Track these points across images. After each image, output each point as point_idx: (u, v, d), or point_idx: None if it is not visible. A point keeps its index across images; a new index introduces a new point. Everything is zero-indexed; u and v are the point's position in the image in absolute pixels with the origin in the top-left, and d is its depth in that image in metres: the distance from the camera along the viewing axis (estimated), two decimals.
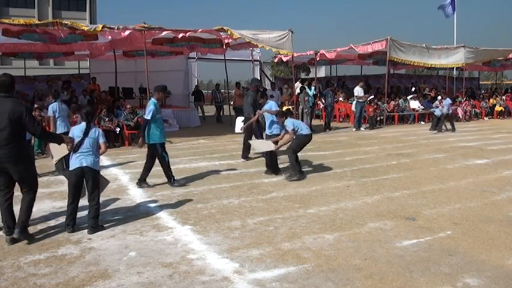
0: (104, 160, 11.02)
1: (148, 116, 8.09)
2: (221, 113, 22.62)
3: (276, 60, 25.62)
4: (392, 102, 20.81)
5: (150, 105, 8.21)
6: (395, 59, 19.49)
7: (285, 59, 21.29)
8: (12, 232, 5.45)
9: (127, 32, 13.97)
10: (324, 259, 4.83)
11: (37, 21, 14.97)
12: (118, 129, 13.21)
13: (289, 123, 8.81)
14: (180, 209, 6.78)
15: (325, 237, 5.53)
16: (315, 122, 18.45)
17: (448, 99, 17.08)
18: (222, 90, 24.39)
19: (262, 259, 4.82)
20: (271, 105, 9.55)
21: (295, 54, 16.92)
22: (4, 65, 28.06)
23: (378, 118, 19.47)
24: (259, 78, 23.55)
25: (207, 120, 22.03)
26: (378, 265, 4.69)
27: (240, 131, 9.96)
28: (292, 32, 15.73)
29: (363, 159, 11.06)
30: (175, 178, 8.34)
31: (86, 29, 13.49)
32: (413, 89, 24.08)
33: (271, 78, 29.15)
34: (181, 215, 6.47)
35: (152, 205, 7.08)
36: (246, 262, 4.75)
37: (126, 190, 7.81)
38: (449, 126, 17.21)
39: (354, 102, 18.45)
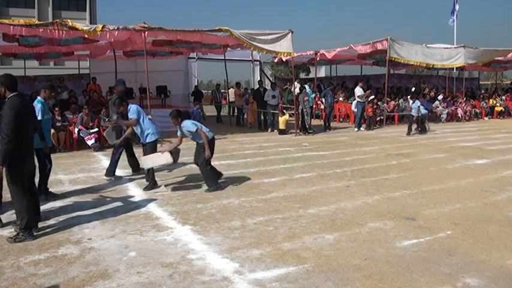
0: (104, 160, 11.03)
1: (39, 117, 7.19)
2: (221, 113, 22.66)
3: (276, 60, 25.60)
4: (393, 102, 20.82)
5: (37, 105, 7.39)
6: (395, 59, 19.49)
7: (284, 59, 21.29)
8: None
9: (126, 34, 13.96)
10: (324, 259, 4.84)
11: (37, 22, 14.96)
12: None
13: (190, 124, 8.14)
14: (180, 209, 6.78)
15: (325, 237, 5.53)
16: (315, 122, 18.45)
17: (417, 101, 16.81)
18: (222, 90, 24.40)
19: (262, 259, 4.83)
20: (133, 110, 8.36)
21: (295, 54, 16.88)
22: (4, 65, 28.07)
23: (378, 118, 19.46)
24: (259, 79, 23.59)
25: (207, 120, 22.00)
26: (377, 265, 4.69)
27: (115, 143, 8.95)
28: (292, 32, 15.72)
29: (363, 159, 11.06)
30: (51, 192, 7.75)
31: (85, 29, 13.48)
32: (413, 89, 24.08)
33: (271, 78, 29.15)
34: (181, 215, 6.47)
35: (152, 205, 7.08)
36: (246, 262, 4.75)
37: (126, 190, 7.81)
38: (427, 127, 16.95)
39: (354, 102, 18.45)
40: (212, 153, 8.18)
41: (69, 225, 6.17)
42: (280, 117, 16.50)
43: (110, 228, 5.97)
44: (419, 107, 16.42)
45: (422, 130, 16.61)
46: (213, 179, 8.03)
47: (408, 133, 16.16)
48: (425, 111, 16.86)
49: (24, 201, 5.64)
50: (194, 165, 10.27)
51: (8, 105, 5.40)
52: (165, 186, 8.30)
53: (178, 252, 5.06)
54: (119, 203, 7.26)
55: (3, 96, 5.51)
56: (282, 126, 16.32)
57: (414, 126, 16.55)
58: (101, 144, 12.69)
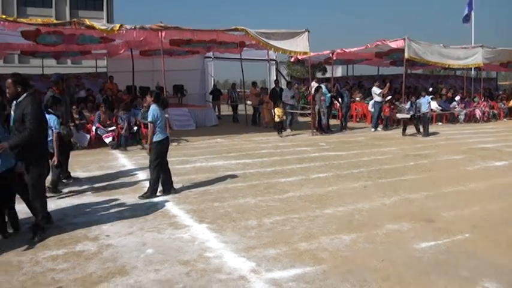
0: (121, 158, 11.14)
1: None
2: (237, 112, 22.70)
3: (292, 59, 25.54)
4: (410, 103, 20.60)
5: None
6: (413, 58, 19.29)
7: (301, 58, 21.22)
8: None
9: (143, 33, 14.05)
10: (341, 260, 4.82)
11: (55, 21, 15.13)
12: (135, 128, 13.31)
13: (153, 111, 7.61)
14: (197, 208, 6.81)
15: (342, 238, 5.51)
16: (332, 122, 18.37)
17: (427, 96, 16.52)
18: (238, 90, 24.41)
19: (279, 259, 4.82)
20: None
21: (312, 54, 16.80)
22: (22, 63, 28.42)
23: (396, 119, 19.27)
24: (275, 78, 23.57)
25: (223, 119, 22.09)
26: (395, 267, 4.66)
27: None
28: (308, 31, 15.67)
29: (380, 159, 10.99)
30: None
31: (103, 28, 13.60)
32: (430, 89, 23.82)
33: (287, 78, 29.09)
34: (198, 214, 6.50)
35: (169, 203, 7.12)
36: (262, 261, 4.75)
37: (144, 188, 7.85)
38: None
39: (371, 102, 18.33)
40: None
41: (87, 221, 6.25)
42: (276, 110, 15.97)
43: (127, 226, 6.02)
44: (429, 103, 16.18)
45: (425, 131, 16.00)
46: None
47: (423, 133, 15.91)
48: (427, 110, 16.42)
49: (44, 198, 5.81)
50: (211, 164, 10.36)
51: (32, 101, 5.55)
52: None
53: (195, 250, 5.08)
54: (136, 200, 7.33)
55: (18, 95, 5.58)
56: (277, 119, 15.84)
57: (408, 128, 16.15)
58: (118, 142, 12.79)
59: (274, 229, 5.81)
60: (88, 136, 12.68)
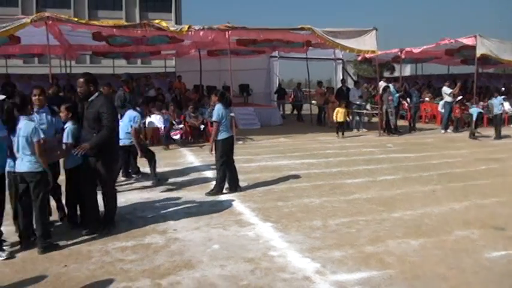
0: (189, 155, 11.41)
1: None
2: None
3: (359, 58, 25.07)
4: (482, 103, 19.65)
5: None
6: (486, 55, 18.36)
7: (368, 57, 20.80)
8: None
9: (211, 33, 14.32)
10: (408, 265, 4.69)
11: (125, 23, 15.72)
12: (202, 127, 13.59)
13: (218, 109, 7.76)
14: (262, 206, 6.86)
15: (409, 242, 5.36)
16: (400, 122, 17.89)
17: (499, 97, 15.54)
18: (303, 89, 24.30)
19: (344, 261, 4.77)
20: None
21: (379, 52, 16.41)
22: (94, 63, 29.71)
23: (467, 120, 18.47)
24: (342, 77, 23.27)
25: (288, 118, 22.09)
26: (464, 276, 4.48)
27: None
28: (376, 30, 15.34)
29: (450, 163, 10.57)
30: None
31: (172, 29, 14.00)
32: (502, 89, 22.59)
33: (354, 77, 28.64)
34: (263, 212, 6.54)
35: (235, 201, 7.22)
36: (327, 263, 4.71)
37: (210, 185, 8.01)
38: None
39: (441, 103, 17.66)
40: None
41: (155, 215, 6.47)
42: (338, 109, 15.54)
43: (194, 221, 6.17)
44: (502, 104, 15.33)
45: (497, 134, 15.09)
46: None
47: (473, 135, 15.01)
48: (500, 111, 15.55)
49: (115, 194, 6.05)
50: (276, 163, 10.40)
51: (106, 101, 5.78)
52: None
53: (259, 249, 5.13)
54: (203, 197, 7.49)
55: (90, 93, 5.71)
56: (340, 118, 15.37)
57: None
58: (187, 140, 13.12)
59: (340, 231, 5.75)
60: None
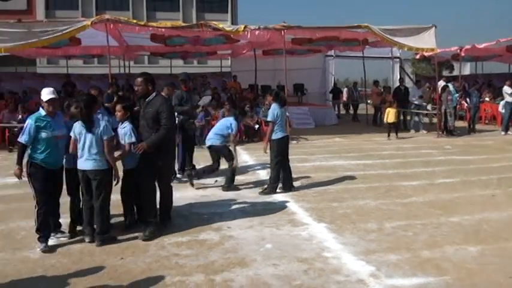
0: (243, 155, 11.49)
1: None
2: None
3: (417, 56, 24.40)
4: None
5: None
6: None
7: (427, 55, 20.21)
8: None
9: (267, 33, 14.38)
10: (466, 273, 4.50)
11: (182, 24, 16.04)
12: (257, 126, 13.67)
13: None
14: (316, 206, 6.81)
15: (467, 249, 5.14)
16: (458, 123, 17.27)
17: None
18: (359, 89, 23.94)
19: (400, 265, 4.65)
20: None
21: (438, 50, 15.88)
22: (151, 64, 30.46)
23: None
24: (399, 76, 22.74)
25: (343, 118, 21.85)
26: None
27: None
28: (435, 27, 14.87)
29: (510, 166, 10.08)
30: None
31: (228, 30, 14.18)
32: None
33: (411, 76, 27.90)
34: (317, 212, 6.49)
35: (288, 200, 7.20)
36: (382, 266, 4.61)
37: (264, 184, 8.04)
38: None
39: (502, 103, 16.84)
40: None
41: (210, 212, 6.57)
42: (390, 109, 15.03)
43: (247, 219, 6.21)
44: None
45: None
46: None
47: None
48: None
49: (171, 191, 6.10)
50: (331, 164, 10.31)
51: (165, 101, 5.83)
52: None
53: (313, 249, 5.09)
54: (256, 196, 7.54)
55: (148, 93, 5.72)
56: (391, 119, 14.82)
57: None
58: (241, 139, 13.22)
59: (396, 234, 5.61)
60: None
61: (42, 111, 5.27)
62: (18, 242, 5.49)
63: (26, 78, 20.43)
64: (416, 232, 5.67)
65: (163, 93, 8.33)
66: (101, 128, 5.27)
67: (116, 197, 6.00)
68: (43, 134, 5.15)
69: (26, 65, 25.94)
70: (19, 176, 5.18)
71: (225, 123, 8.24)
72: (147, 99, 5.72)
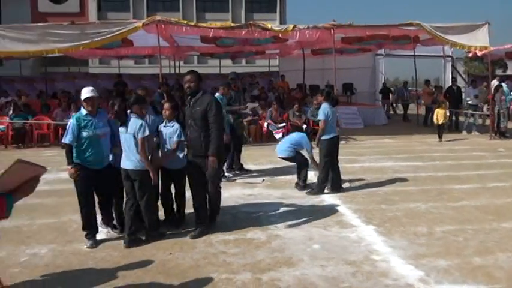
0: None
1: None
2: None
3: (470, 55, 23.59)
4: None
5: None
6: None
7: (480, 54, 19.54)
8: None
9: (316, 32, 14.32)
10: None
11: (232, 24, 16.21)
12: (305, 126, 13.65)
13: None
14: (364, 208, 6.74)
15: None
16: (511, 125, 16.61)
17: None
18: (410, 88, 23.44)
19: (450, 271, 4.54)
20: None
21: (492, 48, 15.31)
22: (201, 63, 30.91)
23: None
24: (452, 75, 22.13)
25: (393, 118, 21.47)
26: None
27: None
28: (488, 24, 14.36)
29: None
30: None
31: (277, 29, 14.22)
32: None
33: (464, 76, 27.05)
34: (366, 214, 6.43)
35: (337, 201, 7.17)
36: (432, 272, 4.52)
37: (312, 184, 8.04)
38: None
39: None
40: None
41: (257, 211, 6.64)
42: (438, 110, 14.44)
43: (295, 219, 6.23)
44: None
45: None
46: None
47: None
48: None
49: (220, 192, 6.04)
50: (380, 165, 10.17)
51: (214, 100, 5.72)
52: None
53: (361, 251, 5.05)
54: (304, 196, 7.53)
55: (197, 91, 5.62)
56: (440, 120, 14.25)
57: None
58: None
59: (446, 239, 5.48)
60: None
61: (83, 111, 5.32)
62: (69, 234, 5.72)
63: (78, 78, 21.25)
64: (467, 237, 5.52)
65: (218, 93, 8.54)
66: (137, 127, 5.21)
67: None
68: (84, 133, 5.20)
69: (79, 65, 26.97)
70: (73, 176, 5.21)
71: (301, 140, 8.11)
72: (194, 97, 5.61)
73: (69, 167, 5.22)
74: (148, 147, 5.37)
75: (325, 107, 7.70)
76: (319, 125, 7.84)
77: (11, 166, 2.25)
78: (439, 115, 14.23)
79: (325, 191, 7.69)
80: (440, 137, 14.16)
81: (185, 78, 5.68)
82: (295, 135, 8.37)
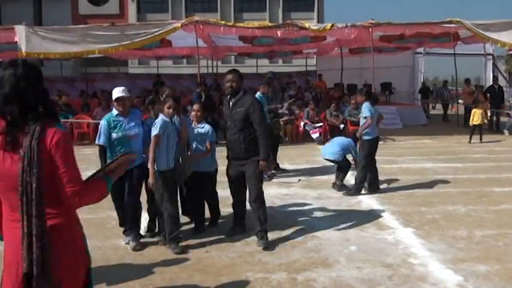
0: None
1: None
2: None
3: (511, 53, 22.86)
4: None
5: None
6: None
7: None
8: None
9: (354, 31, 14.21)
10: None
11: (269, 24, 16.24)
12: (342, 126, 13.57)
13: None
14: (403, 210, 6.66)
15: None
16: None
17: None
18: (450, 88, 22.93)
19: (490, 277, 4.43)
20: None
21: None
22: (238, 63, 31.04)
23: None
24: (493, 74, 21.51)
25: (432, 118, 21.04)
26: None
27: None
28: None
29: None
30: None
31: (315, 29, 14.17)
32: None
33: (505, 75, 26.23)
34: (404, 216, 6.35)
35: (374, 202, 7.12)
36: (471, 277, 4.43)
37: (348, 185, 8.01)
38: None
39: None
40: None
41: (293, 211, 6.67)
42: (475, 110, 14.04)
43: (331, 219, 6.23)
44: None
45: None
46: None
47: None
48: None
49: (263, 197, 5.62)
50: (419, 166, 10.00)
51: (256, 100, 5.53)
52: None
53: (399, 254, 5.00)
54: (341, 196, 7.51)
55: (238, 90, 5.39)
56: (477, 121, 13.79)
57: None
58: (325, 139, 13.21)
59: (486, 243, 5.35)
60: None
61: (114, 111, 5.24)
62: (108, 230, 5.87)
63: (118, 78, 21.73)
64: (508, 243, 5.38)
65: (259, 92, 8.57)
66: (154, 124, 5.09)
67: None
68: (114, 135, 5.11)
69: (118, 65, 27.55)
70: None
71: (349, 146, 8.02)
72: (235, 98, 5.36)
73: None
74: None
75: (368, 105, 7.63)
76: (365, 121, 7.61)
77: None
78: (476, 115, 13.85)
79: (362, 191, 7.64)
80: (471, 137, 13.70)
81: (226, 77, 5.43)
82: (343, 140, 8.26)
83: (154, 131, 5.02)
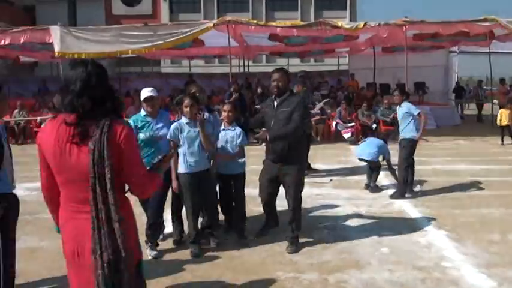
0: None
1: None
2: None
3: None
4: None
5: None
6: None
7: None
8: None
9: (387, 29, 14.08)
10: None
11: (301, 23, 16.20)
12: (374, 126, 13.47)
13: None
14: (436, 213, 6.58)
15: None
16: None
17: None
18: (485, 87, 22.43)
19: None
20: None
21: None
22: (269, 62, 31.01)
23: None
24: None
25: (466, 119, 20.63)
26: None
27: None
28: None
29: None
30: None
31: (347, 27, 14.09)
32: None
33: None
34: (437, 219, 6.28)
35: (407, 204, 7.05)
36: (505, 282, 4.36)
37: (381, 186, 7.96)
38: None
39: None
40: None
41: (324, 211, 6.68)
42: (502, 111, 13.64)
43: (363, 221, 6.21)
44: None
45: None
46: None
47: None
48: None
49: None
50: (452, 167, 9.85)
51: (302, 101, 5.32)
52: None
53: (431, 258, 4.95)
54: (373, 197, 7.48)
55: (285, 90, 5.18)
56: (505, 121, 13.30)
57: None
58: (357, 138, 13.14)
59: None
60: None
61: (142, 112, 5.14)
62: (139, 227, 5.89)
63: (151, 78, 22.09)
64: None
65: (295, 90, 8.51)
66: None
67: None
68: (141, 135, 5.00)
69: (152, 65, 27.94)
70: None
71: (384, 147, 8.00)
72: (281, 98, 5.14)
73: None
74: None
75: (408, 103, 7.63)
76: (419, 118, 7.56)
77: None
78: (503, 116, 13.46)
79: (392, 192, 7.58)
80: (502, 139, 13.33)
81: (273, 76, 5.18)
82: (378, 141, 8.19)
83: (168, 135, 4.97)
